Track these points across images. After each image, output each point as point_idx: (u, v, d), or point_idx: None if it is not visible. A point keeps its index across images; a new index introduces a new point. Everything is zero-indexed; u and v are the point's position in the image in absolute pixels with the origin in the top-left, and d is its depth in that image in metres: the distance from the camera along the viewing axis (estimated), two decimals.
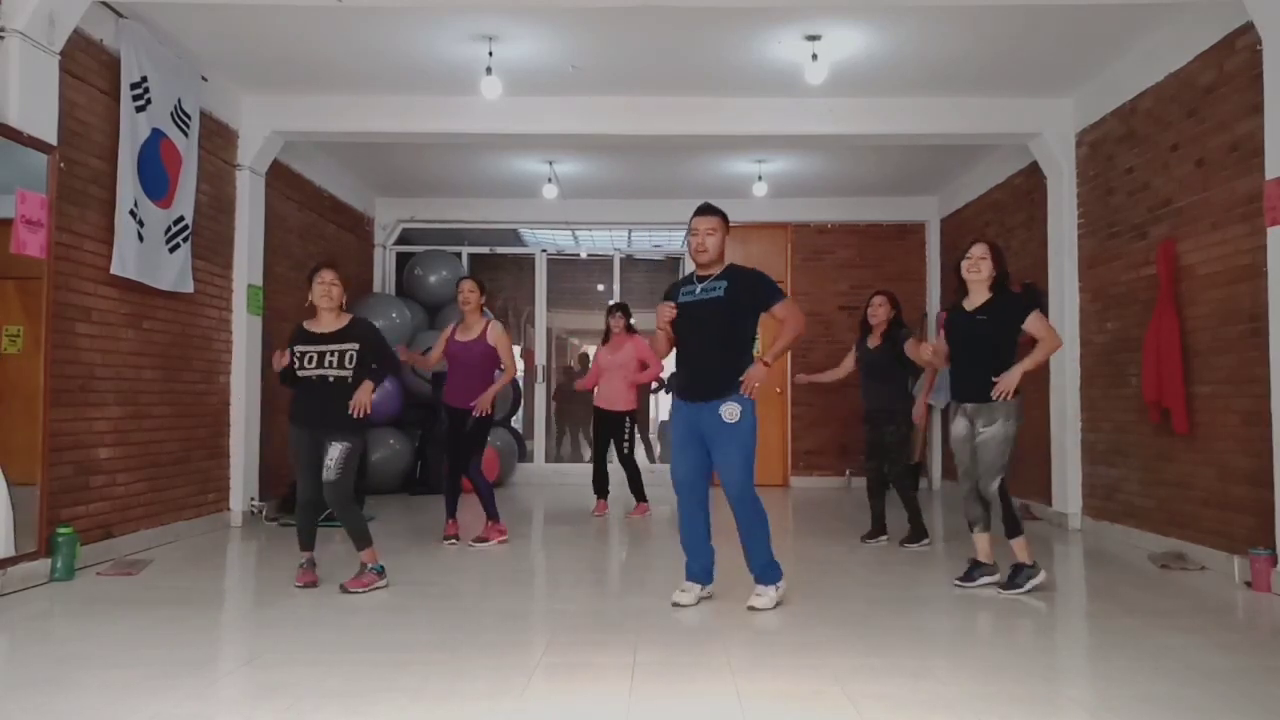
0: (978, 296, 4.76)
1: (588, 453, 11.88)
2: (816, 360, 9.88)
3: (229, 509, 7.06)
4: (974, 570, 4.81)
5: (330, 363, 4.68)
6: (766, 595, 4.33)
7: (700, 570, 4.47)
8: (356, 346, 4.74)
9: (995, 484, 4.63)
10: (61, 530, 4.93)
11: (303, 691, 3.12)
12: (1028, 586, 4.61)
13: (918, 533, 6.11)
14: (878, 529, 6.26)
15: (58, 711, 2.93)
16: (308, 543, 4.85)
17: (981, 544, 4.80)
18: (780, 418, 10.43)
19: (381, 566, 4.77)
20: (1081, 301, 7.08)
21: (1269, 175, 4.82)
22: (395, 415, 8.98)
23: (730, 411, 4.24)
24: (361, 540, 4.73)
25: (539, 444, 10.88)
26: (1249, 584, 4.87)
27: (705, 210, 4.44)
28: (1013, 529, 4.67)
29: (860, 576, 5.23)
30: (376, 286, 10.40)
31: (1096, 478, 6.85)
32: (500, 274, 11.78)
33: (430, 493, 8.79)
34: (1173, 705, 3.03)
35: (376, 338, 4.88)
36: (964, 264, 4.75)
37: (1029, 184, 7.97)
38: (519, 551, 6.06)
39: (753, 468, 4.32)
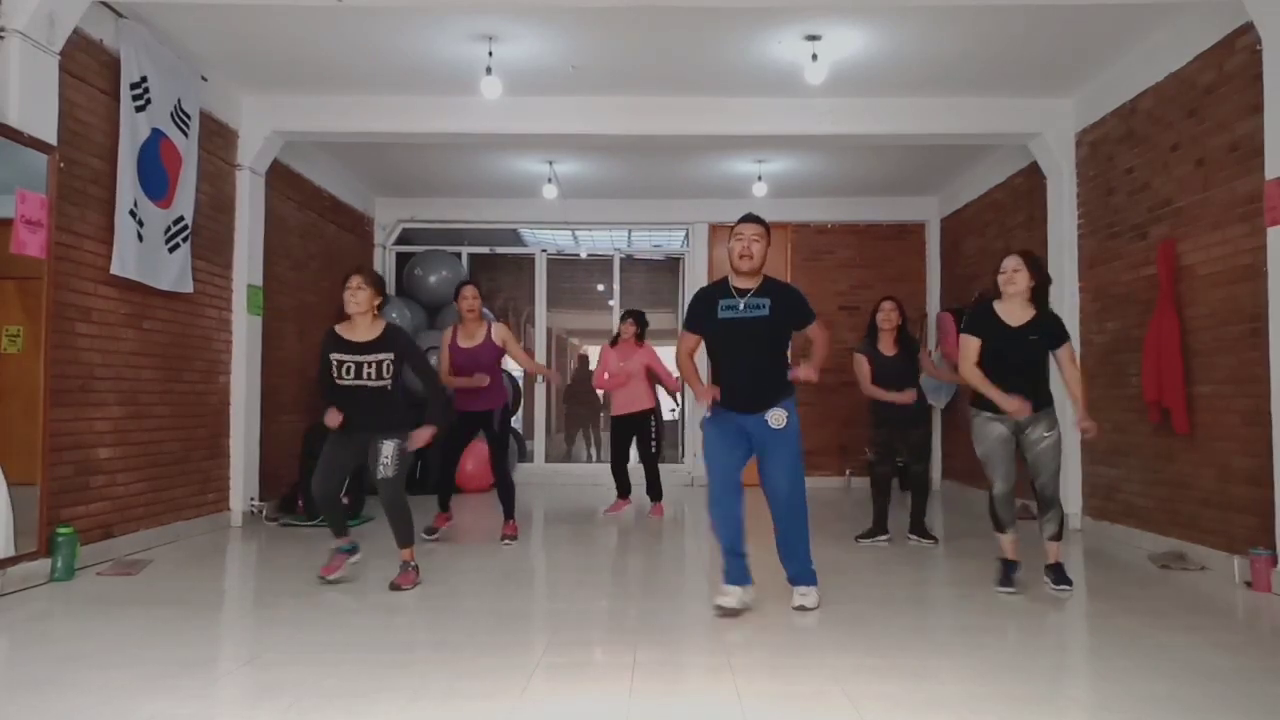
0: (1019, 310, 4.70)
1: (595, 454, 11.94)
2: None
3: (229, 509, 7.05)
4: (1011, 571, 4.78)
5: (369, 374, 4.74)
6: (813, 594, 4.36)
7: (741, 571, 4.31)
8: (392, 356, 4.78)
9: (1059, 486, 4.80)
10: (61, 530, 4.93)
11: (303, 691, 3.12)
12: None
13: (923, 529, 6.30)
14: (880, 528, 6.28)
15: (58, 711, 2.93)
16: (340, 529, 4.93)
17: (1010, 544, 4.81)
18: None
19: (417, 565, 4.89)
20: (1081, 301, 7.07)
21: (1269, 175, 4.82)
22: None
23: (777, 418, 4.35)
24: (406, 538, 4.85)
25: (539, 444, 10.87)
26: (1249, 584, 4.87)
27: (750, 218, 4.41)
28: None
29: (860, 576, 5.22)
30: None
31: (1096, 478, 6.85)
32: (500, 274, 11.78)
33: (430, 493, 8.77)
34: (1172, 705, 3.03)
35: (412, 350, 4.91)
36: (999, 278, 4.72)
37: (1029, 184, 7.96)
38: (519, 551, 6.06)
39: (803, 467, 4.46)
